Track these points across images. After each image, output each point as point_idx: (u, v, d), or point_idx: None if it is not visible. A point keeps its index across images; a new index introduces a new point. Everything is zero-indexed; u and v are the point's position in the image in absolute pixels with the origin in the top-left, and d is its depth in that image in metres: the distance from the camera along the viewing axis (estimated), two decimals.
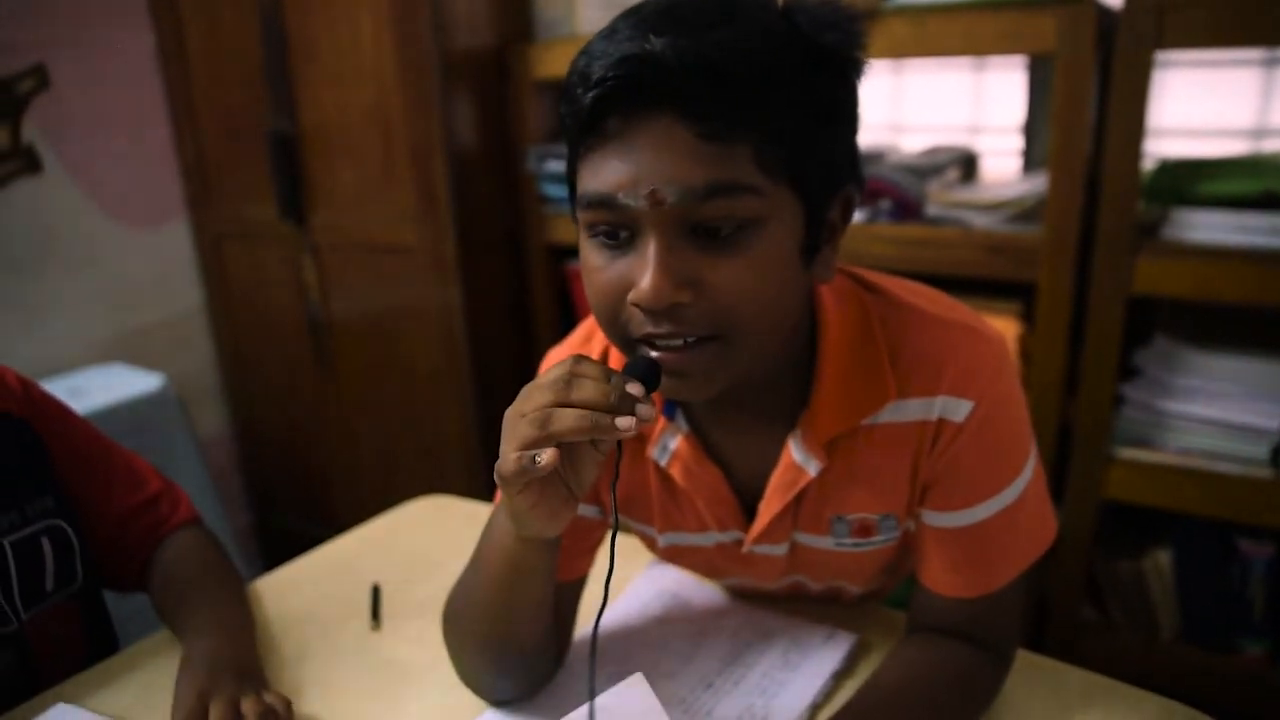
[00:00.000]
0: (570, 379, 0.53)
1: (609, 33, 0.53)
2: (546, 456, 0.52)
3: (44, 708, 0.76)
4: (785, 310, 0.58)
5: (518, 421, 0.54)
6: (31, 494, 0.81)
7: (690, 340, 0.55)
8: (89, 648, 0.86)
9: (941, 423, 0.64)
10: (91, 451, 0.89)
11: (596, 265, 0.56)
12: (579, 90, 0.53)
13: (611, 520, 0.58)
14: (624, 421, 0.52)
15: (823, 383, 0.64)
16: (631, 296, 0.54)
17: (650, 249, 0.53)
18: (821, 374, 0.64)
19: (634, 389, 0.53)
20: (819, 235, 0.58)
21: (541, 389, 0.54)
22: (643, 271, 0.53)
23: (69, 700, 0.77)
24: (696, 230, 0.53)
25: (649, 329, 0.55)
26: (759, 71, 0.51)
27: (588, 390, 0.52)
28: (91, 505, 0.88)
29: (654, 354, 0.56)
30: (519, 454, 0.53)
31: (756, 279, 0.54)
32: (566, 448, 0.55)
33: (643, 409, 0.53)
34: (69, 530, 0.83)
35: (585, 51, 0.54)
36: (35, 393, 0.86)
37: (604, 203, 0.54)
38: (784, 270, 0.56)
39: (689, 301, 0.53)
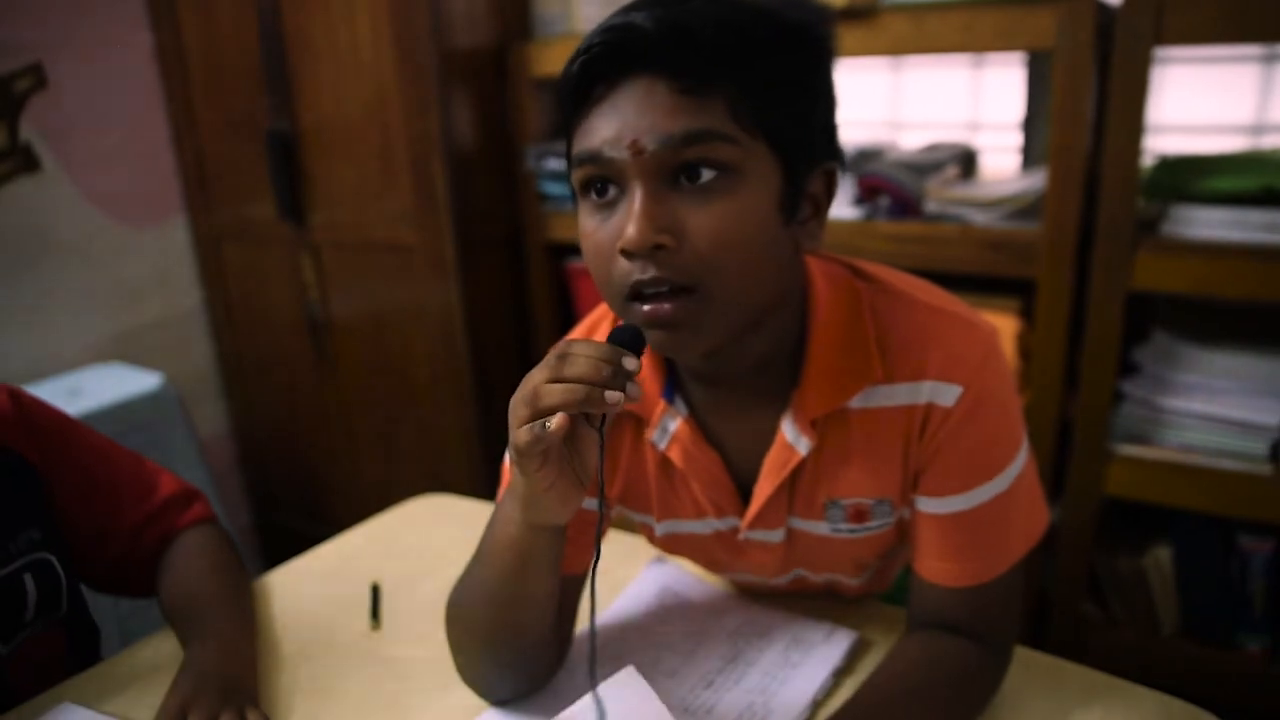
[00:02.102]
0: (563, 356, 0.56)
1: (604, 19, 0.58)
2: (555, 421, 0.54)
3: (48, 706, 0.76)
4: (764, 265, 0.59)
5: (516, 405, 0.56)
6: (15, 528, 0.79)
7: (675, 288, 0.57)
8: (73, 670, 0.84)
9: (930, 407, 0.65)
10: (94, 466, 0.87)
11: (590, 229, 0.60)
12: (571, 63, 0.58)
13: (598, 484, 0.59)
14: (612, 395, 0.54)
15: (812, 364, 0.66)
16: (619, 245, 0.57)
17: (635, 198, 0.56)
18: (812, 356, 0.66)
19: (630, 363, 0.55)
20: (798, 198, 0.60)
21: (538, 369, 0.56)
22: (629, 220, 0.56)
23: (73, 700, 0.77)
24: (678, 179, 0.57)
25: (636, 275, 0.57)
26: (730, 34, 0.55)
27: (579, 366, 0.55)
28: (98, 523, 0.86)
29: (644, 307, 0.58)
30: (528, 425, 0.55)
31: (735, 226, 0.57)
32: (568, 432, 0.57)
33: (632, 388, 0.55)
34: (55, 563, 0.81)
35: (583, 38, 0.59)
36: (30, 411, 0.83)
37: (591, 158, 0.57)
38: (762, 223, 0.58)
39: (671, 246, 0.56)
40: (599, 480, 0.58)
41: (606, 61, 0.56)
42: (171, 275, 2.05)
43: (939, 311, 0.67)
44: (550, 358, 0.56)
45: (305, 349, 1.97)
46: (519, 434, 0.55)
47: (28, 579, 0.79)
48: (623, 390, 0.54)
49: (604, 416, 0.57)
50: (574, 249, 1.75)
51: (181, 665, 0.76)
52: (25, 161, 1.74)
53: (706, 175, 0.56)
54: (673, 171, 0.56)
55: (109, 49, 1.86)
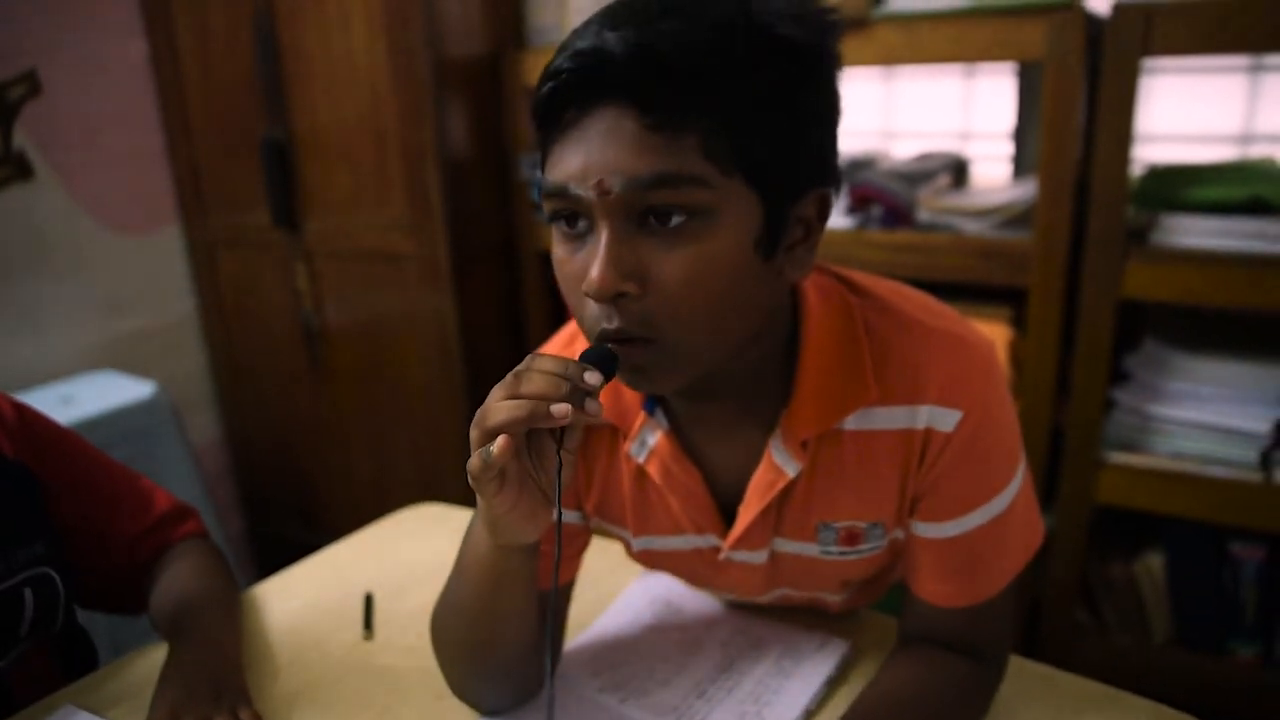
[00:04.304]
0: (520, 373, 0.54)
1: (582, 28, 0.54)
2: (497, 446, 0.52)
3: (51, 710, 0.76)
4: (735, 309, 0.56)
5: (472, 426, 0.55)
6: (19, 541, 0.79)
7: (640, 337, 0.55)
8: (68, 679, 0.83)
9: (929, 433, 0.63)
10: (93, 480, 0.87)
11: (561, 257, 0.58)
12: (540, 85, 0.55)
13: (556, 506, 0.57)
14: (559, 408, 0.52)
15: (803, 382, 0.63)
16: (583, 288, 0.54)
17: (600, 240, 0.54)
18: (802, 373, 0.63)
19: (592, 378, 0.53)
20: (780, 232, 0.57)
21: (497, 386, 0.54)
22: (593, 263, 0.54)
23: (75, 703, 0.77)
24: (646, 220, 0.54)
25: (602, 324, 0.55)
26: (706, 62, 0.51)
27: (536, 383, 0.53)
28: (95, 537, 0.86)
29: (611, 347, 0.56)
30: (477, 452, 0.54)
31: (704, 272, 0.54)
32: (535, 449, 0.56)
33: (590, 404, 0.53)
34: (56, 578, 0.81)
35: (560, 46, 0.55)
36: (32, 424, 0.84)
37: (558, 192, 0.55)
38: (735, 267, 0.55)
39: (636, 293, 0.54)
40: (557, 494, 0.57)
41: (575, 88, 0.53)
42: (165, 283, 2.05)
43: (937, 332, 0.64)
44: (509, 375, 0.54)
45: (299, 357, 1.97)
46: (471, 464, 0.54)
47: (27, 593, 0.78)
48: (581, 406, 0.52)
49: (561, 431, 0.55)
50: None
51: (165, 664, 0.75)
52: (19, 169, 1.73)
53: (675, 219, 0.53)
54: (640, 212, 0.53)
55: (103, 56, 1.86)
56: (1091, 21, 1.19)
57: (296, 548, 1.15)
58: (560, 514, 0.57)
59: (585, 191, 0.53)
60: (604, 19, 0.53)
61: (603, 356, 0.55)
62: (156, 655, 0.83)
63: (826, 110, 0.57)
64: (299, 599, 0.94)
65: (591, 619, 0.85)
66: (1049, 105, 1.21)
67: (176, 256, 2.06)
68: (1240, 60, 1.47)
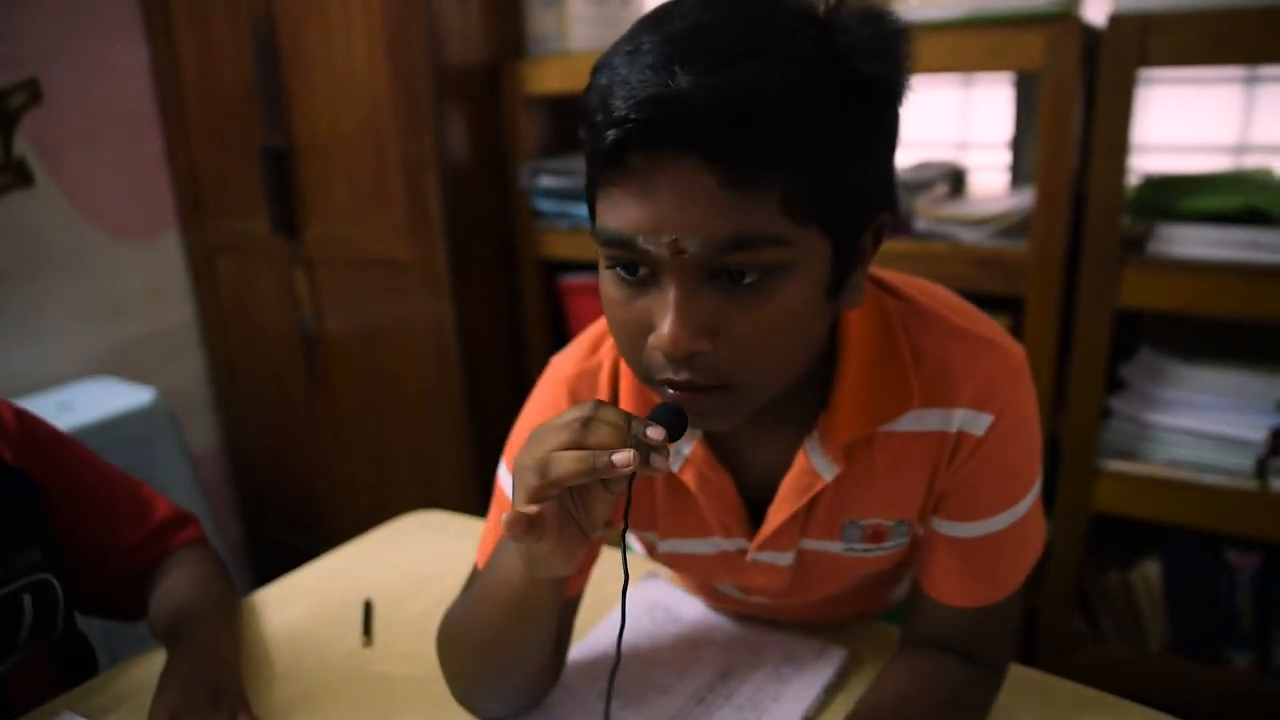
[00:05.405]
0: (588, 422, 0.52)
1: (632, 50, 0.49)
2: (533, 510, 0.53)
3: (50, 716, 0.76)
4: (807, 348, 0.57)
5: (524, 471, 0.53)
6: (18, 547, 0.79)
7: (709, 385, 0.54)
8: (68, 685, 0.84)
9: (961, 435, 0.64)
10: (93, 487, 0.87)
11: (616, 300, 0.55)
12: (599, 119, 0.50)
13: (623, 563, 0.58)
14: (621, 457, 0.50)
15: (844, 386, 0.62)
16: (651, 341, 0.53)
17: (670, 295, 0.51)
18: (843, 378, 0.63)
19: (655, 433, 0.52)
20: (847, 269, 0.56)
21: (555, 430, 0.53)
22: (663, 316, 0.51)
23: (73, 710, 0.77)
24: (718, 276, 0.51)
25: (669, 374, 0.54)
26: (789, 114, 0.48)
27: (603, 435, 0.51)
28: (94, 543, 0.86)
29: (672, 391, 0.55)
30: (524, 513, 0.54)
31: (779, 326, 0.52)
32: (577, 487, 0.56)
33: (656, 459, 0.52)
34: (55, 584, 0.81)
35: (607, 66, 0.51)
36: (32, 430, 0.84)
37: (623, 243, 0.51)
38: (808, 313, 0.54)
39: (709, 350, 0.52)
40: (623, 551, 0.58)
41: (644, 137, 0.48)
42: (164, 289, 2.05)
43: (972, 336, 0.64)
44: (573, 419, 0.53)
45: (298, 364, 1.97)
46: (508, 517, 0.53)
47: (26, 600, 0.79)
48: (646, 461, 0.51)
49: (630, 480, 0.54)
50: (567, 265, 1.76)
51: (164, 670, 0.76)
52: (19, 176, 1.74)
53: (749, 278, 0.51)
54: (712, 270, 0.51)
55: (104, 63, 1.87)
56: (1088, 32, 1.20)
57: (295, 554, 1.15)
58: (627, 572, 0.58)
59: (656, 248, 0.50)
60: (668, 50, 0.48)
61: (673, 414, 0.54)
62: (155, 661, 0.83)
63: (895, 137, 0.56)
64: (298, 606, 0.94)
65: (590, 626, 0.86)
66: (1046, 115, 1.22)
67: (176, 263, 2.06)
68: (1236, 71, 1.48)
